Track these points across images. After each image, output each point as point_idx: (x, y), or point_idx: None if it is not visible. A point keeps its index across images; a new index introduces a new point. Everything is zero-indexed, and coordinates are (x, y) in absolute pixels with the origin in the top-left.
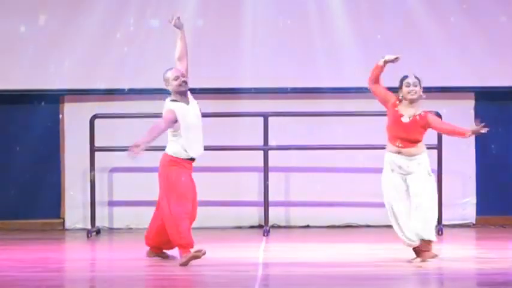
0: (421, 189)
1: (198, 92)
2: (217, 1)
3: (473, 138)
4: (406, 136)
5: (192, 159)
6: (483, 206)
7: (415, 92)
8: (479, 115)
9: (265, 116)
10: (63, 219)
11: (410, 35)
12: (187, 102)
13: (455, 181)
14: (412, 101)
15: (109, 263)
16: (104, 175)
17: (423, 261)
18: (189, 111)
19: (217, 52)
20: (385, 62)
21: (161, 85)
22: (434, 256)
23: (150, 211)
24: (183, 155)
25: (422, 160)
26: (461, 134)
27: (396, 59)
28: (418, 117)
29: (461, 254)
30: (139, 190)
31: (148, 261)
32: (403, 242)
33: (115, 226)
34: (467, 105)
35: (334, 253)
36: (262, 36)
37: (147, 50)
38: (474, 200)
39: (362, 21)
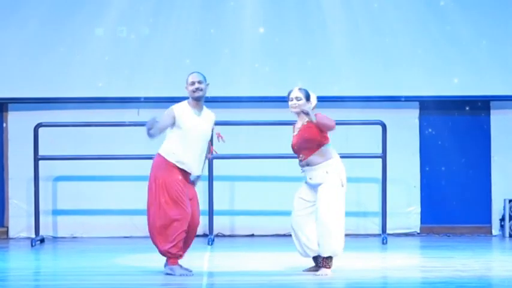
0: (322, 201)
1: (144, 101)
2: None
3: (417, 147)
4: (301, 146)
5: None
6: (427, 215)
7: (296, 106)
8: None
9: None
10: (7, 228)
11: (353, 44)
12: (198, 113)
13: (400, 190)
14: (298, 114)
15: (53, 272)
16: (48, 184)
17: (318, 274)
18: (194, 120)
19: (164, 62)
20: None
21: (105, 94)
22: (326, 274)
23: (95, 220)
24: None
25: (330, 168)
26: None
27: None
28: (305, 122)
29: (406, 262)
30: (83, 199)
31: (92, 270)
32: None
33: (59, 235)
34: (412, 115)
35: (279, 262)
36: (196, 45)
37: (91, 59)
38: (418, 209)
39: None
